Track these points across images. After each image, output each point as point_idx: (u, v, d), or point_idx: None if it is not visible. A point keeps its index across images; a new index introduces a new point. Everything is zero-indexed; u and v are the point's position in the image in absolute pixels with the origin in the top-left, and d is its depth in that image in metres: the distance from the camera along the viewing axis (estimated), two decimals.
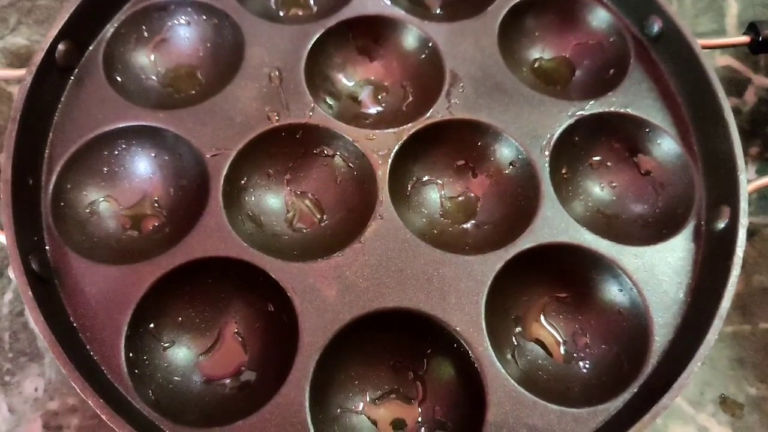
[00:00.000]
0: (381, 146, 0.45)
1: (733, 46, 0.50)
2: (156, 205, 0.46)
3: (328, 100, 0.48)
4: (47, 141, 0.44)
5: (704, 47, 0.46)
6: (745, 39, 0.49)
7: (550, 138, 0.45)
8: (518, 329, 0.43)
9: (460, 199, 0.47)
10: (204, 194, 0.43)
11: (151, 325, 0.41)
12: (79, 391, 0.35)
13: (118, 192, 0.46)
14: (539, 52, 0.52)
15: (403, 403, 0.40)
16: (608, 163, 0.47)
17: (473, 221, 0.46)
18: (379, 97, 0.50)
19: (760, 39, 0.49)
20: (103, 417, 0.35)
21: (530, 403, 0.38)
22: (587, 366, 0.42)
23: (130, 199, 0.46)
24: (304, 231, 0.45)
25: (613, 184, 0.47)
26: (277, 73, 0.47)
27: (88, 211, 0.44)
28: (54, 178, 0.43)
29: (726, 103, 0.43)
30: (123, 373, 0.38)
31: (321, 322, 0.40)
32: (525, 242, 0.42)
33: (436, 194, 0.47)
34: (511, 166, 0.46)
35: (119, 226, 0.45)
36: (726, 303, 0.38)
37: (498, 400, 0.38)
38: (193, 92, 0.49)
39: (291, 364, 0.38)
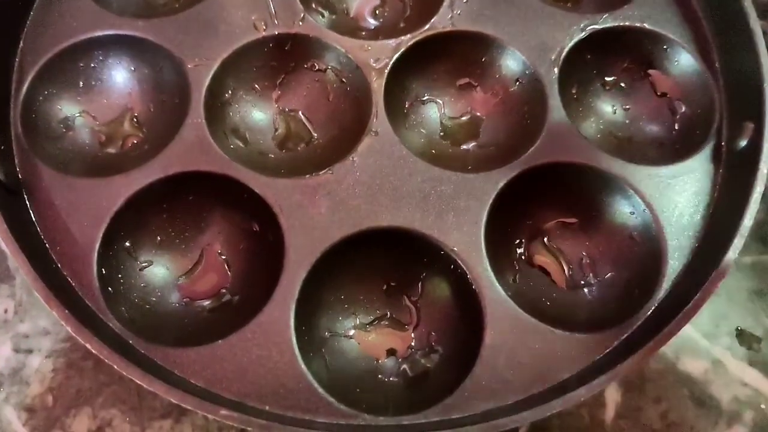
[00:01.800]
0: (377, 58, 0.41)
1: None
2: (135, 121, 0.43)
3: (320, 10, 0.45)
4: (17, 49, 0.41)
5: None
6: None
7: (560, 52, 0.42)
8: (521, 253, 0.40)
9: (462, 119, 0.44)
10: (185, 108, 0.40)
11: (127, 244, 0.38)
12: (43, 302, 0.32)
13: (95, 107, 0.42)
14: None
15: (396, 328, 0.38)
16: (622, 84, 0.44)
17: (475, 142, 0.43)
18: (377, 11, 0.46)
19: None
20: (69, 329, 0.32)
21: (532, 325, 0.35)
22: (594, 293, 0.39)
23: (107, 115, 0.43)
24: (293, 150, 0.42)
25: (626, 107, 0.44)
26: None
27: (62, 125, 0.42)
28: (24, 88, 0.40)
29: (752, 11, 0.40)
30: (95, 290, 0.36)
31: (309, 240, 0.37)
32: (530, 160, 0.39)
33: (435, 114, 0.44)
34: (517, 83, 0.43)
35: (96, 143, 0.42)
36: (748, 221, 0.35)
37: (497, 323, 0.35)
38: (177, 5, 0.46)
39: (276, 283, 0.36)
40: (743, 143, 0.38)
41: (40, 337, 0.40)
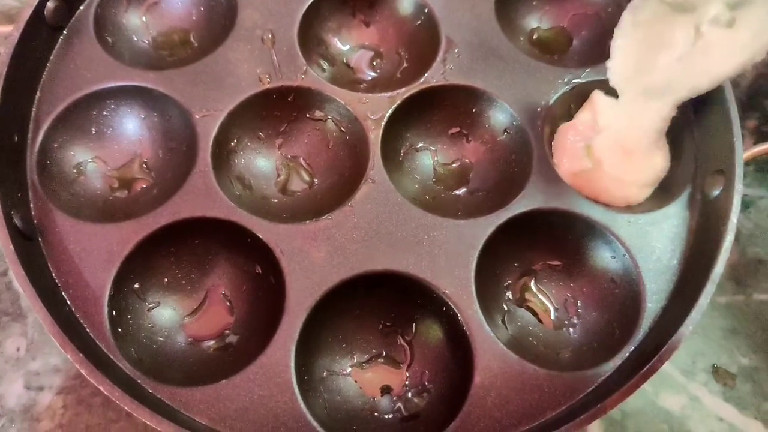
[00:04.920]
0: (374, 110, 0.44)
1: None
2: (144, 166, 0.45)
3: (321, 63, 0.48)
4: (34, 99, 0.44)
5: None
6: None
7: (545, 105, 0.45)
8: (509, 295, 0.42)
9: (453, 165, 0.46)
10: (193, 156, 0.43)
11: (136, 285, 0.40)
12: (58, 345, 0.34)
13: (107, 153, 0.45)
14: (537, 22, 0.51)
15: (391, 366, 0.40)
16: None
17: (466, 188, 0.45)
18: (374, 63, 0.49)
19: None
20: (83, 372, 0.34)
21: (519, 366, 0.37)
22: (578, 332, 0.41)
23: (118, 161, 0.45)
24: (295, 195, 0.45)
25: None
26: (270, 35, 0.46)
27: (75, 171, 0.44)
28: (41, 136, 0.43)
29: None
30: (105, 331, 0.38)
31: (309, 284, 0.39)
32: (517, 207, 0.41)
33: (429, 160, 0.46)
34: (505, 133, 0.45)
35: (107, 187, 0.44)
36: (719, 268, 0.38)
37: (486, 363, 0.37)
38: (185, 55, 0.48)
39: (277, 325, 0.38)
40: (716, 193, 0.41)
41: (51, 374, 0.41)
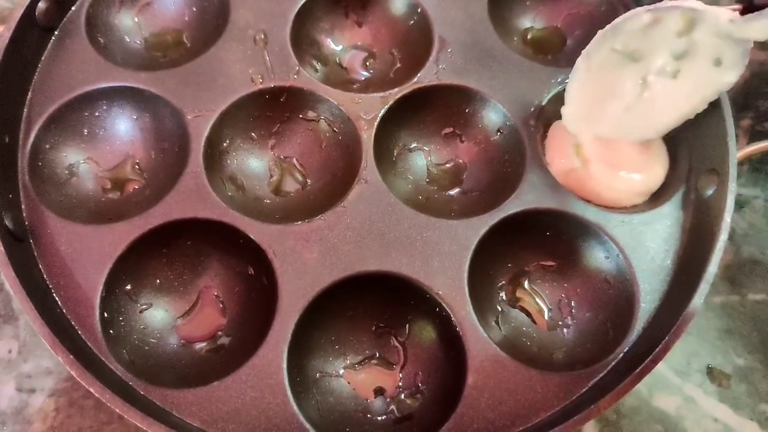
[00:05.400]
0: (367, 110, 0.44)
1: None
2: (137, 167, 0.45)
3: (314, 63, 0.47)
4: (26, 100, 0.43)
5: None
6: (738, 7, 0.48)
7: (538, 105, 0.45)
8: (502, 296, 0.42)
9: (447, 166, 0.46)
10: (185, 157, 0.42)
11: (128, 287, 0.40)
12: (48, 347, 0.34)
13: (99, 154, 0.45)
14: (530, 22, 0.51)
15: (384, 368, 0.40)
16: None
17: (459, 188, 0.45)
18: (367, 63, 0.49)
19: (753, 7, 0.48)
20: (74, 374, 0.34)
21: (512, 367, 0.37)
22: (572, 333, 0.41)
23: (110, 162, 0.45)
24: (288, 196, 0.45)
25: None
26: (262, 35, 0.46)
27: (67, 172, 0.44)
28: (32, 137, 0.42)
29: None
30: (97, 333, 0.38)
31: (301, 285, 0.39)
32: (511, 207, 0.41)
33: (422, 161, 0.46)
34: (498, 133, 0.45)
35: (99, 188, 0.44)
36: (713, 268, 0.37)
37: (479, 364, 0.37)
38: (178, 56, 0.48)
39: (270, 326, 0.38)
40: (710, 192, 0.41)
41: (42, 376, 0.41)
